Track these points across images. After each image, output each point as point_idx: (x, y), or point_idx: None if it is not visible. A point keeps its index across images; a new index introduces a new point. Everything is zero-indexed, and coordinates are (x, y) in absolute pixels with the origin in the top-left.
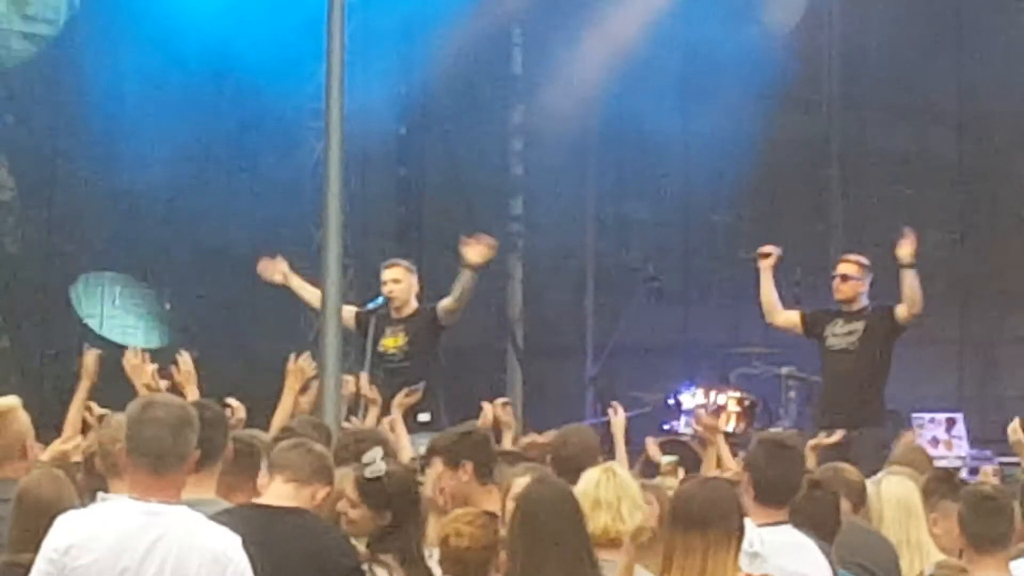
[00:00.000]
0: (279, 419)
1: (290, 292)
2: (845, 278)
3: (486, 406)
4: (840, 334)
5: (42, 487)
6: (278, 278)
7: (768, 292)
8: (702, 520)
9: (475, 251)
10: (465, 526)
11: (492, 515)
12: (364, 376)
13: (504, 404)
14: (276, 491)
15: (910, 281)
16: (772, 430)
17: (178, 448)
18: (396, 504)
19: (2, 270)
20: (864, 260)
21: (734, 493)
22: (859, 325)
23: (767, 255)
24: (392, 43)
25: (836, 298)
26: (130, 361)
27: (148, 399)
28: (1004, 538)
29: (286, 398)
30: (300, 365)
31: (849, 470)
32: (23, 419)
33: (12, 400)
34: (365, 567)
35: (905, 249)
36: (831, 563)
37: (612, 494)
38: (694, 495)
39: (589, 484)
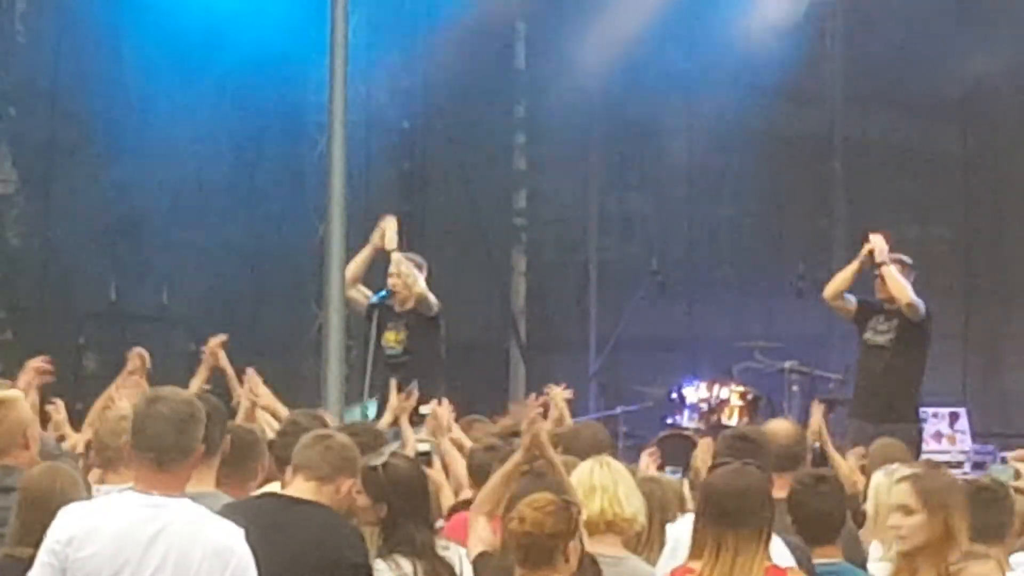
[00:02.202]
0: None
1: (294, 284)
2: None
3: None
4: (880, 330)
5: (46, 480)
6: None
7: (849, 277)
8: (734, 514)
9: (389, 239)
10: (532, 511)
11: (568, 503)
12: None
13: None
14: (298, 487)
15: (888, 277)
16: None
17: (182, 443)
18: (392, 497)
19: (5, 263)
20: (907, 259)
21: (765, 482)
22: (895, 323)
23: (872, 251)
24: (395, 38)
25: (879, 296)
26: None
27: (154, 394)
28: (1001, 529)
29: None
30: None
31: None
32: (24, 408)
33: (13, 391)
34: (382, 562)
35: (875, 248)
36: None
37: (608, 479)
38: (726, 488)
39: (583, 472)
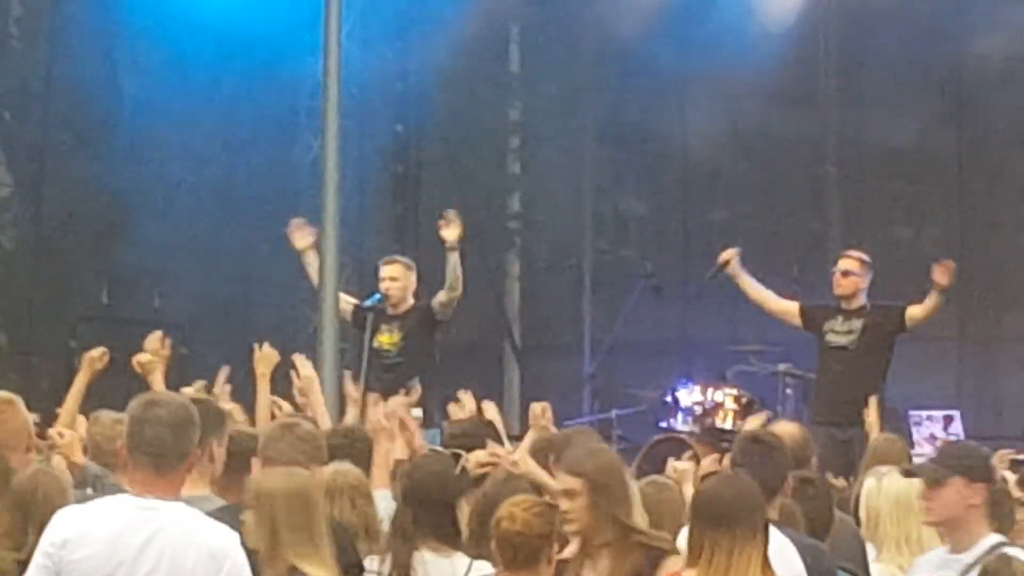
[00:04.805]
0: (261, 411)
1: (288, 288)
2: (846, 274)
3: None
4: (840, 331)
5: (29, 484)
6: (301, 244)
7: (752, 290)
8: (728, 517)
9: (449, 231)
10: (521, 512)
11: (552, 505)
12: (347, 375)
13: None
14: None
15: (937, 302)
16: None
17: (179, 447)
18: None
19: (0, 267)
20: (865, 256)
21: (757, 488)
22: (858, 324)
23: (726, 262)
24: (389, 40)
25: (836, 293)
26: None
27: (150, 397)
28: (998, 534)
29: (261, 388)
30: (264, 352)
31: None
32: (25, 411)
33: (10, 394)
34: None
35: (941, 277)
36: (810, 565)
37: None
38: (720, 493)
39: None
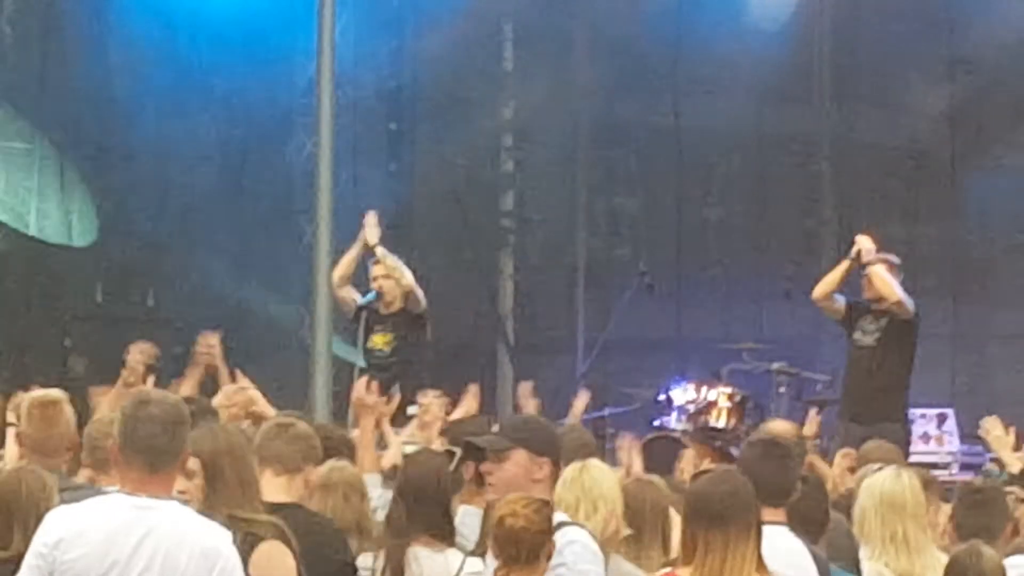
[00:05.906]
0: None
1: (281, 286)
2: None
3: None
4: (867, 330)
5: (12, 484)
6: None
7: (838, 278)
8: (721, 515)
9: (370, 233)
10: (522, 508)
11: (546, 502)
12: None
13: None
14: (268, 485)
15: (875, 276)
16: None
17: (173, 446)
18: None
19: None
20: (894, 259)
21: (750, 485)
22: (883, 322)
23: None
24: (383, 38)
25: (866, 296)
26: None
27: (143, 396)
28: (990, 531)
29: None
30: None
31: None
32: (71, 411)
33: (60, 392)
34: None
35: (862, 248)
36: (820, 571)
37: (572, 495)
38: (713, 492)
39: (558, 482)
